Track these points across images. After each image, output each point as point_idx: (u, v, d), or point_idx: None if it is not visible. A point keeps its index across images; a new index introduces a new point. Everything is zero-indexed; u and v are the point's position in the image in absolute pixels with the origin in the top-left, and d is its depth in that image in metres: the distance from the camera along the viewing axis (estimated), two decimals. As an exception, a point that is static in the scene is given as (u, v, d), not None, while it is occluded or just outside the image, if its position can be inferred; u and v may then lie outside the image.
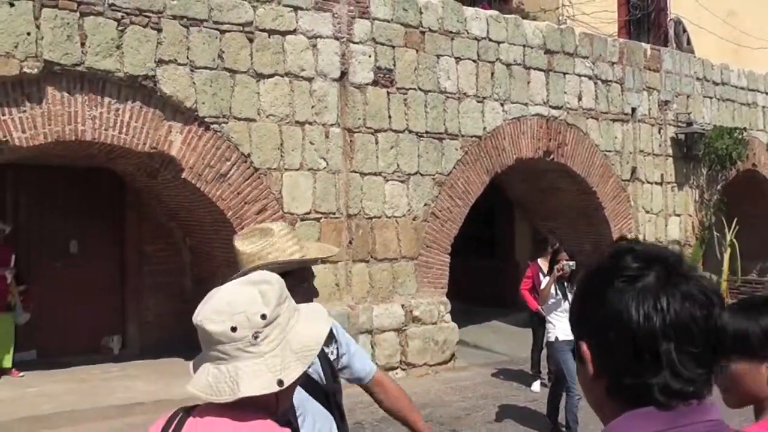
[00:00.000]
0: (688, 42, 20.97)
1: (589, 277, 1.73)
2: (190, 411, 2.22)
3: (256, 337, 2.11)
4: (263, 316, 2.11)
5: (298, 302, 2.65)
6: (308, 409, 3.35)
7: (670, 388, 1.55)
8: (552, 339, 9.57)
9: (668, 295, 1.57)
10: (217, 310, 2.11)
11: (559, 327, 9.35)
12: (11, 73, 9.26)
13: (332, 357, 3.68)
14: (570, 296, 9.65)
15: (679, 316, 1.56)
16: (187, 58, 10.44)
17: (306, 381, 3.27)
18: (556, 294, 9.57)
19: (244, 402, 2.07)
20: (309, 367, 2.62)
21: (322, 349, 3.36)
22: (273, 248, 3.33)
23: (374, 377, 4.00)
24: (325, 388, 3.53)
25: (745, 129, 18.41)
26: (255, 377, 2.09)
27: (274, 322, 2.13)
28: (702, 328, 1.57)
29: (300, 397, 3.27)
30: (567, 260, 9.49)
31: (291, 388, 2.20)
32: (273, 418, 2.16)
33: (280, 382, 2.11)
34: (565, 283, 9.54)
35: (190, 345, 10.77)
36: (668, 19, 20.72)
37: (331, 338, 3.68)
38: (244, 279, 2.23)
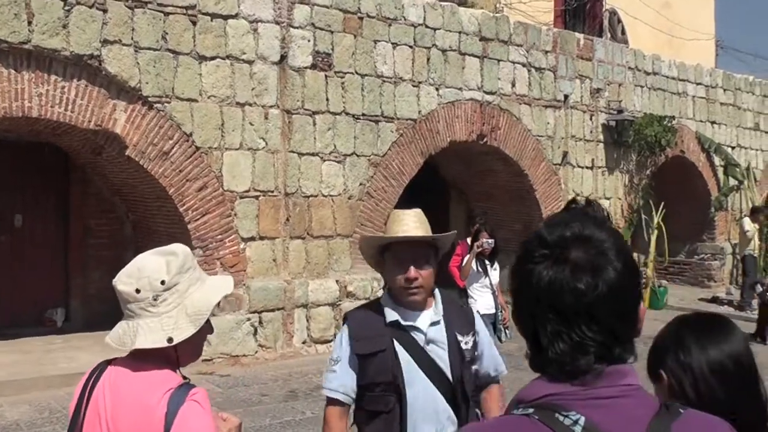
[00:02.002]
0: (623, 32, 21.61)
1: (517, 257, 1.82)
2: (109, 362, 2.61)
3: (155, 299, 2.48)
4: (162, 282, 2.49)
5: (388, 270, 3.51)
6: (417, 381, 3.57)
7: (557, 365, 1.66)
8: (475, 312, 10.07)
9: (551, 279, 1.67)
10: (128, 273, 2.51)
11: (480, 301, 9.91)
12: (-41, 51, 9.44)
13: (466, 347, 3.72)
14: (490, 272, 10.24)
15: (555, 299, 1.66)
16: (132, 38, 10.69)
17: (431, 367, 3.61)
18: (477, 270, 10.15)
19: (150, 354, 2.47)
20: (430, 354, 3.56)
21: (456, 338, 3.69)
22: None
23: (491, 386, 3.98)
24: (451, 375, 3.61)
25: (674, 117, 19.09)
26: (149, 333, 2.46)
27: (172, 288, 2.50)
28: (579, 311, 1.65)
29: (411, 368, 3.57)
30: (487, 239, 10.08)
31: (189, 346, 2.54)
32: (173, 368, 2.52)
33: (170, 339, 2.46)
34: (486, 260, 10.14)
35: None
36: (603, 9, 21.34)
37: (470, 330, 3.80)
38: (158, 249, 2.60)
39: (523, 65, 15.78)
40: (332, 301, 12.56)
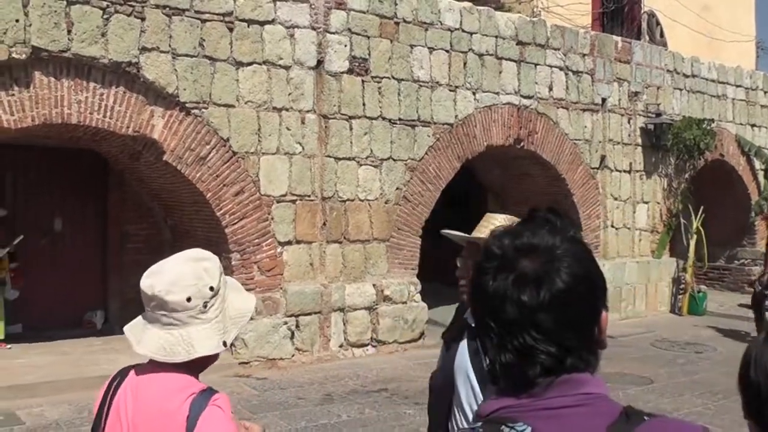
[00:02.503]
0: (662, 35, 21.45)
1: (474, 266, 1.80)
2: (126, 372, 2.61)
3: (205, 306, 2.48)
4: (211, 288, 2.50)
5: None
6: (470, 378, 3.62)
7: (505, 371, 1.65)
8: None
9: (496, 289, 1.65)
10: (173, 282, 2.45)
11: None
12: (0, 59, 9.60)
13: None
14: None
15: (498, 308, 1.64)
16: (169, 45, 10.81)
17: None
18: None
19: (171, 364, 2.47)
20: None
21: None
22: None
23: None
24: None
25: (713, 120, 18.90)
26: (206, 339, 2.48)
27: (218, 294, 2.53)
28: (522, 322, 1.62)
29: (465, 365, 3.64)
30: None
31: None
32: (195, 374, 2.54)
33: (224, 344, 2.51)
34: None
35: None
36: (641, 11, 21.21)
37: None
38: (186, 256, 2.57)
39: (561, 69, 15.72)
40: (369, 305, 12.60)
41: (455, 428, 3.67)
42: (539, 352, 1.61)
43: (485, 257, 1.72)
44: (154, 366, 2.52)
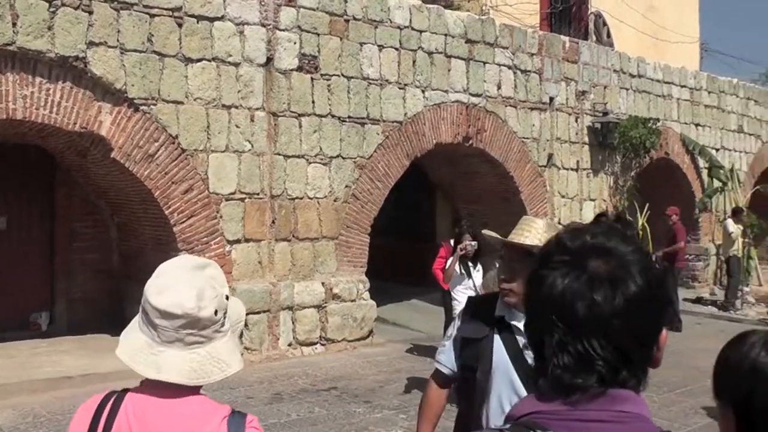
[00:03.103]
0: (608, 35, 21.65)
1: (534, 263, 1.72)
2: (123, 393, 2.31)
3: (225, 316, 2.28)
4: (227, 297, 2.30)
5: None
6: (505, 377, 3.73)
7: (549, 377, 1.57)
8: (457, 314, 10.16)
9: (566, 285, 1.57)
10: (199, 296, 2.21)
11: (464, 303, 9.95)
12: (-58, 52, 9.40)
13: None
14: (473, 274, 10.29)
15: (566, 307, 1.56)
16: (117, 40, 10.66)
17: (526, 369, 3.68)
18: (461, 272, 10.20)
19: (176, 385, 2.22)
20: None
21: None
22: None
23: None
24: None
25: (659, 119, 19.18)
26: (233, 353, 2.29)
27: (229, 301, 2.32)
28: (592, 326, 1.54)
29: (502, 363, 3.75)
30: (470, 241, 10.14)
31: None
32: (198, 393, 2.29)
33: (242, 353, 2.38)
34: (469, 262, 10.20)
35: (117, 321, 11.09)
36: (589, 12, 21.40)
37: None
38: (189, 265, 2.32)
39: (509, 67, 15.82)
40: (318, 304, 12.57)
41: (485, 424, 3.73)
42: (599, 358, 1.54)
43: (557, 251, 1.65)
44: (154, 388, 2.26)
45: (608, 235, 1.65)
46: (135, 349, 2.29)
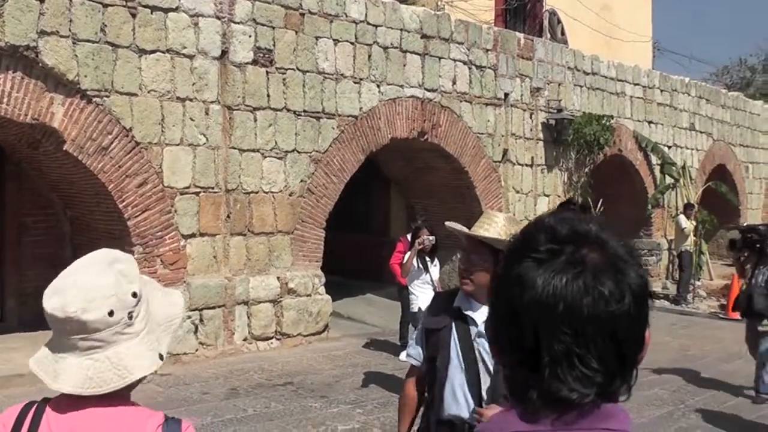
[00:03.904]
0: (563, 33, 21.86)
1: (505, 254, 1.51)
2: (44, 404, 2.14)
3: (130, 317, 2.06)
4: (134, 294, 2.08)
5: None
6: (455, 364, 3.88)
7: (547, 392, 1.37)
8: (415, 309, 10.18)
9: (568, 282, 1.37)
10: (88, 297, 2.03)
11: (422, 298, 9.98)
12: None
13: None
14: (431, 268, 10.29)
15: (571, 307, 1.35)
16: (70, 30, 10.44)
17: (471, 357, 3.86)
18: (418, 267, 10.21)
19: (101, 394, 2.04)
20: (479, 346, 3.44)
21: None
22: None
23: None
24: (491, 371, 3.84)
25: (612, 117, 19.38)
26: (140, 357, 2.06)
27: (141, 299, 2.10)
28: (601, 325, 1.35)
29: (454, 352, 3.87)
30: (428, 236, 10.15)
31: None
32: (128, 401, 2.14)
33: (161, 357, 2.11)
34: (426, 257, 10.21)
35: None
36: (543, 10, 21.55)
37: None
38: (93, 260, 2.14)
39: (464, 63, 15.85)
40: (273, 298, 12.50)
41: (440, 411, 3.89)
42: (604, 366, 1.36)
43: (544, 240, 1.43)
44: (77, 400, 2.06)
45: (597, 224, 1.48)
46: (43, 356, 2.13)
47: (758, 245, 9.74)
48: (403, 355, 12.14)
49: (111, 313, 2.03)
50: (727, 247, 12.41)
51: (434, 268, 10.42)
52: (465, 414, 3.81)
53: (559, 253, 1.40)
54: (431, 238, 10.23)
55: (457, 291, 4.04)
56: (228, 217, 12.16)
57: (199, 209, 11.86)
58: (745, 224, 16.72)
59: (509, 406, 1.47)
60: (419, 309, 9.96)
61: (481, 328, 3.80)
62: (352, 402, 9.69)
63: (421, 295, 10.10)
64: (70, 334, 2.05)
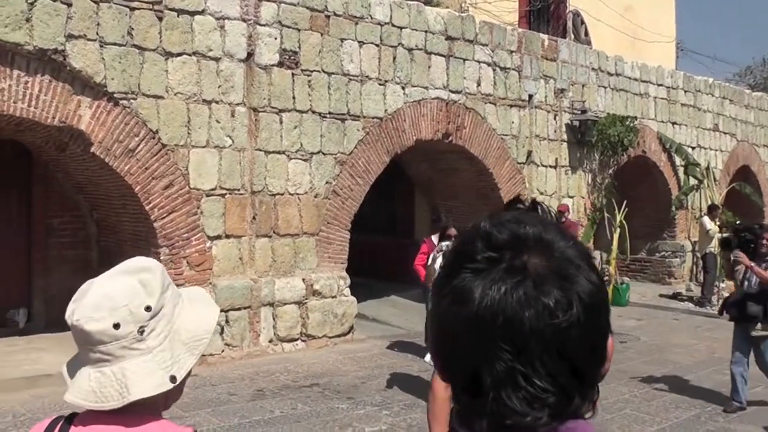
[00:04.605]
0: (586, 33, 21.77)
1: (441, 267, 1.36)
2: (71, 419, 2.01)
3: (141, 332, 1.92)
4: (148, 308, 1.93)
5: None
6: None
7: (495, 418, 1.20)
8: None
9: (506, 292, 1.21)
10: (95, 306, 1.91)
11: None
12: None
13: None
14: None
15: (511, 321, 1.19)
16: (97, 33, 10.53)
17: None
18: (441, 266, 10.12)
19: (133, 403, 1.91)
20: None
21: None
22: None
23: None
24: None
25: (636, 118, 19.32)
26: (146, 376, 1.91)
27: (159, 313, 1.96)
28: (546, 339, 1.19)
29: None
30: (455, 236, 10.08)
31: (182, 383, 2.01)
32: (160, 414, 2.02)
33: (173, 378, 1.94)
34: None
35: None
36: (567, 11, 21.49)
37: None
38: (121, 268, 2.00)
39: (489, 65, 15.84)
40: (298, 300, 12.51)
41: None
42: (553, 385, 1.19)
43: (480, 248, 1.27)
44: (105, 414, 1.94)
45: (542, 224, 1.30)
46: (72, 361, 2.04)
47: (752, 245, 9.46)
48: (428, 357, 12.19)
49: (117, 326, 1.89)
50: (719, 245, 12.09)
51: None
52: None
53: (497, 261, 1.24)
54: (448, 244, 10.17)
55: None
56: (254, 218, 12.19)
57: (225, 211, 11.89)
58: (738, 222, 16.48)
59: None
60: None
61: None
62: (379, 404, 9.68)
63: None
64: (81, 344, 1.96)
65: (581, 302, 1.21)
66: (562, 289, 1.21)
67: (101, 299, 1.91)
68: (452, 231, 10.35)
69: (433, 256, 10.50)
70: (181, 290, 2.10)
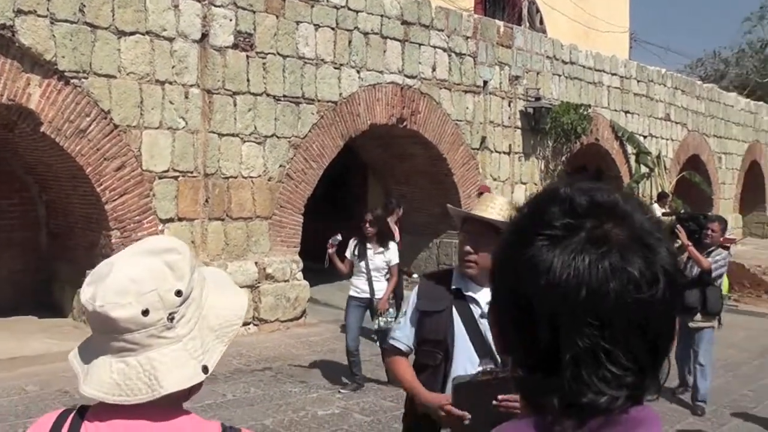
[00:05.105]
0: (541, 22, 21.91)
1: (507, 234, 1.27)
2: (82, 413, 1.82)
3: (171, 319, 1.76)
4: (178, 293, 1.77)
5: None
6: (463, 345, 3.85)
7: (570, 397, 1.12)
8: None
9: (591, 264, 1.12)
10: (120, 290, 1.74)
11: (354, 283, 9.79)
12: None
13: None
14: (373, 256, 9.88)
15: (596, 294, 1.11)
16: (48, 9, 10.28)
17: (478, 336, 3.82)
18: (354, 253, 9.93)
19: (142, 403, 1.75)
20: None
21: None
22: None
23: None
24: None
25: (589, 106, 19.45)
26: (177, 367, 1.76)
27: (189, 298, 1.80)
28: (631, 314, 1.12)
29: (460, 332, 3.85)
30: (336, 236, 9.87)
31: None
32: (180, 409, 1.84)
33: (205, 369, 1.79)
34: (368, 244, 9.88)
35: (45, 302, 10.90)
36: (522, -2, 21.56)
37: None
38: (142, 248, 1.84)
39: (444, 50, 15.84)
40: (251, 284, 12.41)
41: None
42: (628, 366, 1.12)
43: (558, 214, 1.18)
44: (117, 408, 1.76)
45: (620, 193, 1.23)
46: (81, 351, 1.85)
47: (696, 235, 9.41)
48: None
49: (146, 313, 1.72)
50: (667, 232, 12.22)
51: (377, 256, 9.99)
52: None
53: (577, 230, 1.15)
54: (338, 237, 9.93)
55: (449, 272, 4.03)
56: (206, 201, 12.08)
57: (178, 194, 11.76)
58: (682, 211, 16.56)
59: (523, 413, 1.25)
60: (349, 295, 9.87)
61: (485, 309, 3.76)
62: (331, 387, 9.66)
63: (355, 281, 9.84)
64: (100, 332, 1.78)
65: (665, 274, 1.15)
66: (646, 261, 1.14)
67: (126, 283, 1.74)
68: (368, 216, 10.18)
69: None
70: (203, 271, 1.94)
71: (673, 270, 1.16)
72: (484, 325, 3.79)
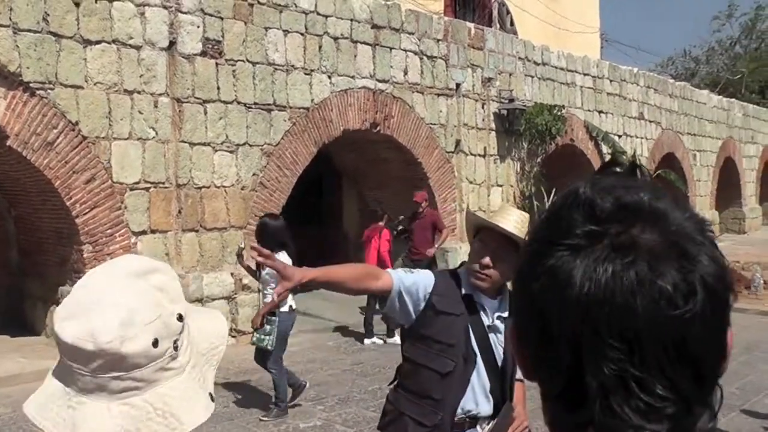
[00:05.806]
0: (512, 23, 21.86)
1: (529, 242, 1.07)
2: None
3: (176, 348, 1.53)
4: (180, 317, 1.54)
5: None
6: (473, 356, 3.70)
7: (607, 426, 0.95)
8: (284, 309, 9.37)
9: (615, 274, 0.94)
10: (124, 322, 1.45)
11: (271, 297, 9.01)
12: None
13: None
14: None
15: (622, 310, 0.93)
16: (10, 19, 10.07)
17: (487, 348, 3.71)
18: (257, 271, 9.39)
19: None
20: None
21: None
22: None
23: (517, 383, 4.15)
24: (502, 364, 3.74)
25: (563, 107, 19.40)
26: (191, 401, 1.54)
27: (185, 323, 1.57)
28: (663, 334, 0.93)
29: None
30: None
31: None
32: None
33: (212, 397, 1.59)
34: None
35: (16, 321, 10.63)
36: (492, 0, 21.49)
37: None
38: (122, 271, 1.54)
39: (415, 53, 15.73)
40: (227, 295, 12.24)
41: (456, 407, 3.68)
42: (665, 395, 0.94)
43: (579, 220, 0.98)
44: None
45: (652, 191, 1.01)
46: (47, 397, 1.52)
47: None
48: (368, 341, 12.13)
49: (156, 343, 1.47)
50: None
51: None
52: (485, 410, 3.71)
53: (601, 237, 0.97)
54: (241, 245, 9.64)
55: (456, 274, 3.83)
56: (179, 212, 11.87)
57: (150, 205, 11.55)
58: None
59: None
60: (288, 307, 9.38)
61: (494, 321, 3.75)
62: (312, 399, 9.49)
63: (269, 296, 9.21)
64: (97, 372, 1.47)
65: (705, 287, 0.95)
66: (681, 271, 0.94)
67: (126, 313, 1.45)
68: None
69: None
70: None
71: (716, 281, 0.96)
72: (492, 338, 3.72)
